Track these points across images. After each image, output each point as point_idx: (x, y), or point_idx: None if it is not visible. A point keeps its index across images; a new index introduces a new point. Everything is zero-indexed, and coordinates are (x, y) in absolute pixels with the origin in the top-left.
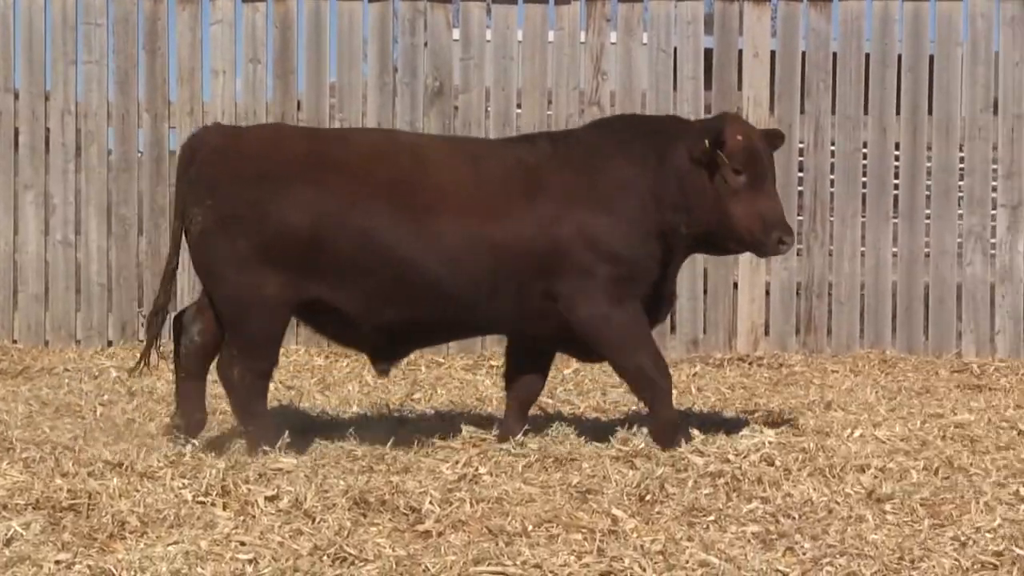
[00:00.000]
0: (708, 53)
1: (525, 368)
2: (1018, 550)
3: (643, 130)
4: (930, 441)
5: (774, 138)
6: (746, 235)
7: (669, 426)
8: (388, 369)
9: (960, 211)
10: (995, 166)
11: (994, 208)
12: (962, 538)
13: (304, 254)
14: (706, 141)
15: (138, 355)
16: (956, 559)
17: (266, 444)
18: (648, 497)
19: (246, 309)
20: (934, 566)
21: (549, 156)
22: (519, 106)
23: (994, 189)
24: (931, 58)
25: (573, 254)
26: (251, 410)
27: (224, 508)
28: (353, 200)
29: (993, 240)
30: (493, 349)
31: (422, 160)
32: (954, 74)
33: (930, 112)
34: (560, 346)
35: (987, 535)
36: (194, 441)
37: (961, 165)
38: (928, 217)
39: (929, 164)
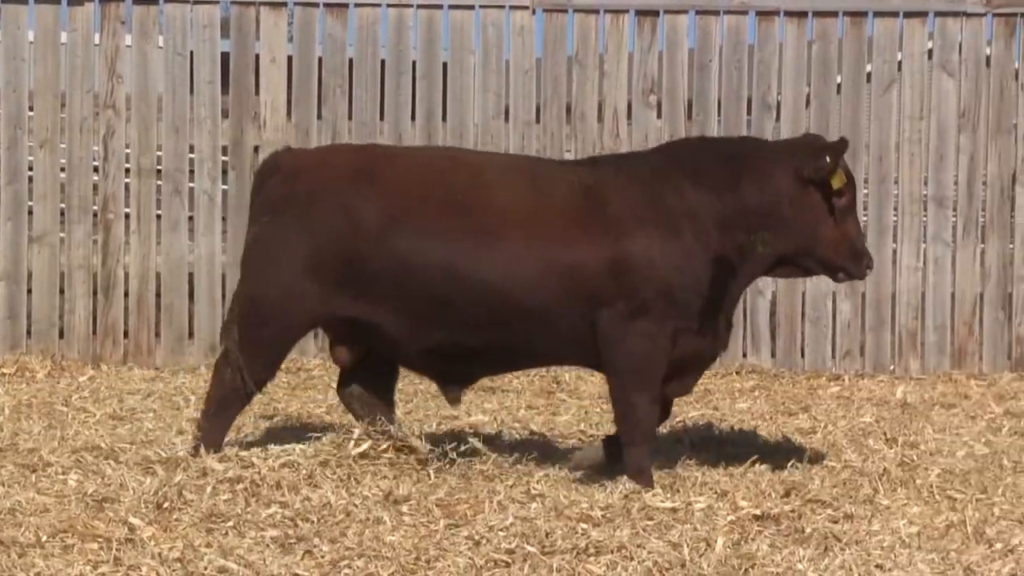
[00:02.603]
0: (225, 57)
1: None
2: (529, 547)
3: (713, 152)
4: (444, 442)
5: None
6: (837, 259)
7: (639, 471)
8: (459, 395)
9: None
10: None
11: None
12: (476, 537)
13: (346, 272)
14: (827, 158)
15: None
16: (470, 558)
17: (205, 444)
18: (166, 504)
19: (267, 313)
20: (449, 565)
21: (609, 180)
22: (31, 108)
23: None
24: (445, 65)
25: (620, 284)
26: (219, 410)
27: None
28: (397, 220)
29: None
30: (5, 356)
31: (478, 180)
32: (467, 81)
33: (444, 118)
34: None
35: (500, 533)
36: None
37: None
38: None
39: None
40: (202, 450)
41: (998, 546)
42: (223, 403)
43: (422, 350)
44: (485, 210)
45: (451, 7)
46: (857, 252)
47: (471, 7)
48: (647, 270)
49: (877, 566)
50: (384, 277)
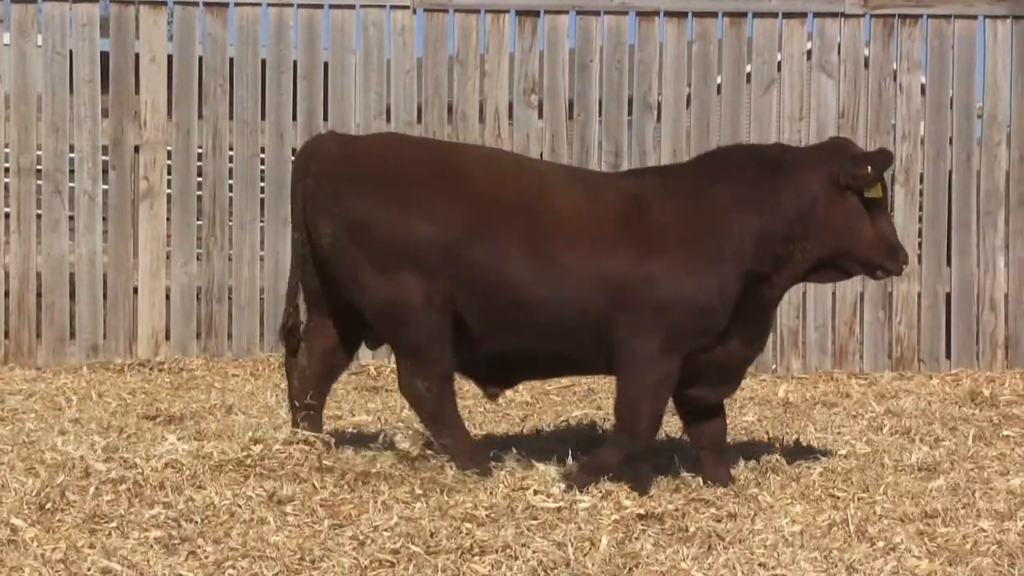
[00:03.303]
0: (105, 56)
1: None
2: (413, 547)
3: (755, 162)
4: (329, 442)
5: None
6: (875, 257)
7: (600, 468)
8: (499, 393)
9: None
10: None
11: None
12: (361, 537)
13: (435, 261)
14: (869, 168)
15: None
16: (355, 558)
17: (464, 455)
18: (49, 505)
19: (400, 315)
20: (334, 565)
21: (654, 191)
22: None
23: None
24: (326, 65)
25: (643, 297)
26: (443, 419)
27: None
28: (483, 221)
29: None
30: None
31: (543, 186)
32: (348, 81)
33: (325, 118)
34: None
35: (385, 533)
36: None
37: None
38: None
39: None
40: (467, 463)
41: (880, 544)
42: (439, 414)
43: (487, 354)
44: (554, 218)
45: (332, 7)
46: (894, 248)
47: (352, 7)
48: (676, 286)
49: (760, 564)
50: (470, 278)
